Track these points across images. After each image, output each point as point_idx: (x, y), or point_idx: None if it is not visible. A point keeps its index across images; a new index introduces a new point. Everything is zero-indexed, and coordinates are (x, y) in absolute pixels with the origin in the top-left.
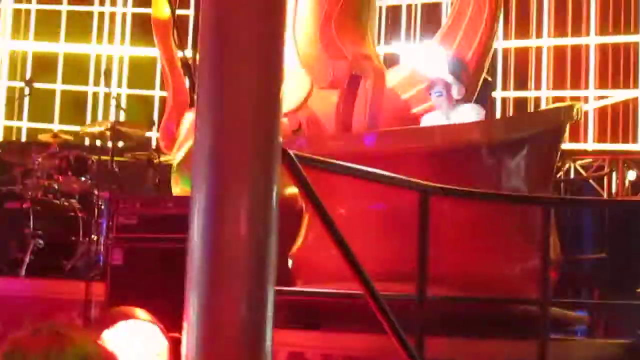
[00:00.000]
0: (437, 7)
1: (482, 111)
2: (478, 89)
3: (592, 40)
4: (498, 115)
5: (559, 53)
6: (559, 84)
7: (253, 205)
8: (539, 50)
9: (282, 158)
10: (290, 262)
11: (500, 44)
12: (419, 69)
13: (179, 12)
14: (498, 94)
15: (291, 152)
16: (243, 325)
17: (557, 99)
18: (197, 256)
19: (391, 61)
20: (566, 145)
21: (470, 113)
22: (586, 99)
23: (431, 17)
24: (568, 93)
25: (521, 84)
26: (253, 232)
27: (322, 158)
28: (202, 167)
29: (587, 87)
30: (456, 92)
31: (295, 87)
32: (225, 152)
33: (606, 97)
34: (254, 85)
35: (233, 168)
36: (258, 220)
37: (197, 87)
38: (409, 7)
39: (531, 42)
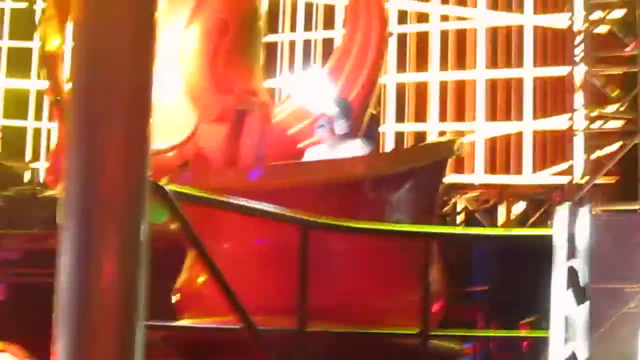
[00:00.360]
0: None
1: (368, 147)
2: (365, 124)
3: (481, 74)
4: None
5: (446, 87)
6: (453, 116)
7: (122, 241)
8: (433, 83)
9: (157, 193)
10: (174, 297)
11: (394, 77)
12: (304, 103)
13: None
14: (392, 127)
15: (166, 188)
16: None
17: (442, 133)
18: (65, 293)
19: (278, 96)
20: (455, 179)
21: (356, 148)
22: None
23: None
24: (459, 126)
25: (418, 117)
26: (122, 269)
27: (200, 193)
28: (71, 203)
29: (474, 120)
30: (339, 127)
31: (181, 121)
32: (95, 189)
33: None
34: (123, 122)
35: (102, 204)
36: (127, 257)
37: (66, 122)
38: (292, 42)
39: (428, 76)
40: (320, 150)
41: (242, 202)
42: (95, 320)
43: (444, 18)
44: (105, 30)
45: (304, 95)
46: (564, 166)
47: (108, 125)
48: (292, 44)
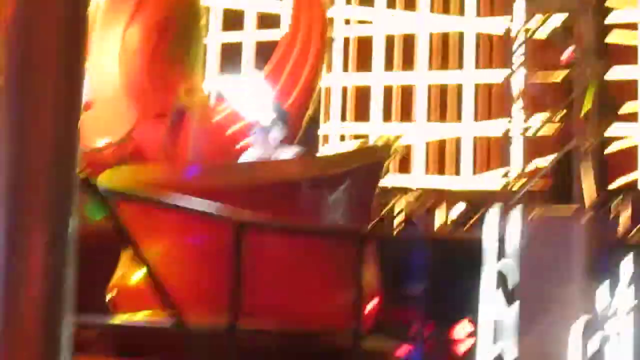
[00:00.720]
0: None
1: (304, 153)
2: (303, 127)
3: (422, 78)
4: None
5: (390, 90)
6: (396, 119)
7: (50, 236)
8: (376, 87)
9: (88, 189)
10: (109, 294)
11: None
12: (239, 108)
13: None
14: (335, 129)
15: (98, 185)
16: (39, 356)
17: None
18: None
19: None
20: (394, 181)
21: (292, 155)
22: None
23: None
24: (399, 128)
25: (360, 119)
26: (49, 264)
27: (133, 191)
28: None
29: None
30: (274, 135)
31: (120, 118)
32: (22, 183)
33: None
34: (51, 117)
35: (29, 199)
36: (55, 252)
37: None
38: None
39: (370, 79)
40: (256, 154)
41: (176, 200)
42: (21, 315)
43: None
44: (34, 23)
45: (240, 100)
46: (501, 171)
47: (36, 119)
48: (225, 46)
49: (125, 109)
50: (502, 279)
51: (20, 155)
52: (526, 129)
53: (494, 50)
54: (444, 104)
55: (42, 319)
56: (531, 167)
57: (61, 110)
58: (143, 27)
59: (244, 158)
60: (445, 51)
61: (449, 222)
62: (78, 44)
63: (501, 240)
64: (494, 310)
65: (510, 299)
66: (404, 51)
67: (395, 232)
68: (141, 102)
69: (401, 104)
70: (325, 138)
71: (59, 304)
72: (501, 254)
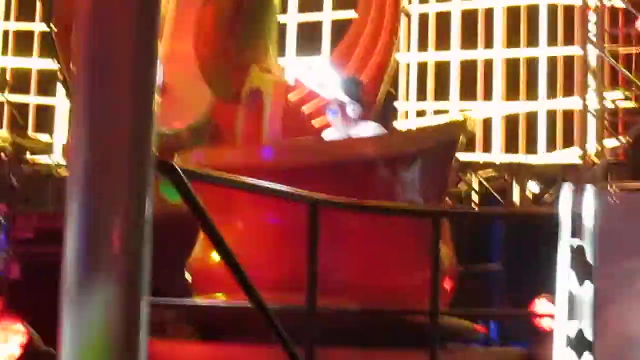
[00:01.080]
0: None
1: (381, 129)
2: (380, 103)
3: (499, 53)
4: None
5: (466, 66)
6: (470, 95)
7: (127, 218)
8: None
9: (165, 171)
10: (187, 273)
11: (414, 56)
12: (316, 87)
13: None
14: (413, 106)
15: (175, 165)
16: (116, 337)
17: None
18: (70, 271)
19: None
20: (470, 157)
21: (369, 131)
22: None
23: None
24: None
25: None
26: (126, 245)
27: (209, 171)
28: (76, 181)
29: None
30: (351, 111)
31: (197, 99)
32: (99, 169)
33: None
34: (127, 100)
35: (106, 184)
36: (132, 234)
37: (71, 100)
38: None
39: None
40: (334, 133)
41: (251, 181)
42: (100, 299)
43: None
44: (107, 10)
45: (312, 79)
46: (577, 146)
47: (113, 102)
48: (301, 25)
49: (201, 91)
50: (576, 256)
51: (96, 139)
52: (602, 105)
53: (573, 23)
54: (517, 79)
55: (120, 302)
56: (608, 142)
57: (137, 93)
58: (217, 8)
59: (323, 136)
60: (517, 26)
61: (526, 198)
62: (152, 27)
63: (577, 216)
64: (571, 287)
65: (586, 276)
66: (473, 27)
67: (472, 209)
68: (217, 83)
69: (481, 80)
70: (405, 114)
71: (136, 287)
72: (577, 230)
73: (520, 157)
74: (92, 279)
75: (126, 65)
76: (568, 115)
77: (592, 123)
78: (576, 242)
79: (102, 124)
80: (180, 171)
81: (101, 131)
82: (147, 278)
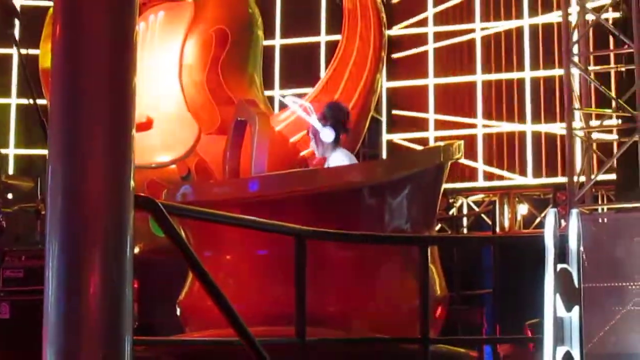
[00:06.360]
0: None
1: (352, 157)
2: (365, 130)
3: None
4: None
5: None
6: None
7: (107, 254)
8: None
9: (146, 206)
10: (178, 310)
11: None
12: (302, 116)
13: None
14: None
15: (158, 202)
16: None
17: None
18: (52, 308)
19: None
20: (458, 182)
21: (341, 159)
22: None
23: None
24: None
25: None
26: (107, 282)
27: (193, 207)
28: (55, 219)
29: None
30: (325, 135)
31: (183, 133)
32: (79, 205)
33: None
34: (104, 136)
35: (85, 219)
36: (113, 269)
37: (49, 135)
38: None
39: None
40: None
41: (235, 215)
42: (81, 332)
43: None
44: (83, 44)
45: (301, 107)
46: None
47: (89, 139)
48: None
49: (187, 123)
50: (564, 279)
51: (74, 177)
52: (587, 123)
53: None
54: (500, 101)
55: (102, 338)
56: (596, 161)
57: (113, 129)
58: (200, 41)
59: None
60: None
61: (518, 220)
62: (127, 62)
63: (562, 240)
64: (557, 311)
65: (573, 300)
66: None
67: (461, 234)
68: (202, 116)
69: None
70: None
71: (118, 320)
72: (562, 254)
73: (509, 180)
74: (72, 317)
75: (102, 100)
76: (553, 136)
77: (578, 142)
78: (562, 266)
79: (79, 160)
80: (161, 206)
81: (79, 168)
82: (129, 312)
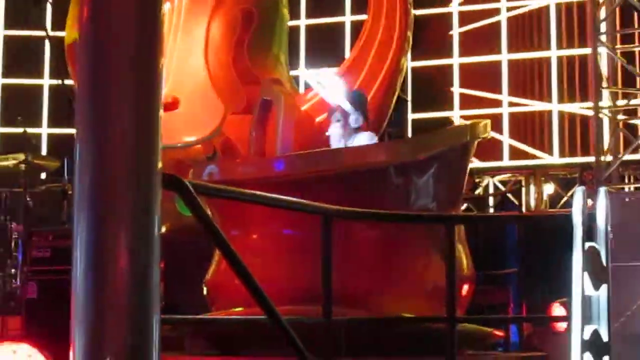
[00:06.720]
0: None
1: (375, 139)
2: (392, 110)
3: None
4: None
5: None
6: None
7: (134, 235)
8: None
9: (174, 186)
10: (205, 289)
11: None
12: (327, 96)
13: None
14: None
15: (183, 180)
16: (129, 354)
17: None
18: (79, 289)
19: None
20: (483, 163)
21: (363, 141)
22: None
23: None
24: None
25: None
26: (135, 263)
27: (220, 186)
28: (82, 200)
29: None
30: (353, 120)
31: (208, 112)
32: (105, 185)
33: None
34: (130, 115)
35: (112, 199)
36: (140, 251)
37: (75, 115)
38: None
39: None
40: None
41: (262, 193)
42: (108, 316)
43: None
44: (110, 25)
45: (319, 86)
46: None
47: (116, 119)
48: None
49: (213, 103)
50: (589, 259)
51: (101, 156)
52: (614, 102)
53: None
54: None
55: (130, 318)
56: (623, 140)
57: (140, 109)
58: (226, 20)
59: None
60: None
61: (544, 199)
62: (154, 42)
63: (586, 219)
64: (585, 291)
65: (601, 279)
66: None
67: (487, 213)
68: (228, 95)
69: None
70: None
71: (145, 303)
72: (590, 233)
73: (535, 160)
74: (100, 297)
75: (129, 80)
76: (582, 115)
77: (605, 121)
78: (590, 244)
79: (106, 140)
80: (189, 185)
81: (105, 148)
82: (156, 295)
